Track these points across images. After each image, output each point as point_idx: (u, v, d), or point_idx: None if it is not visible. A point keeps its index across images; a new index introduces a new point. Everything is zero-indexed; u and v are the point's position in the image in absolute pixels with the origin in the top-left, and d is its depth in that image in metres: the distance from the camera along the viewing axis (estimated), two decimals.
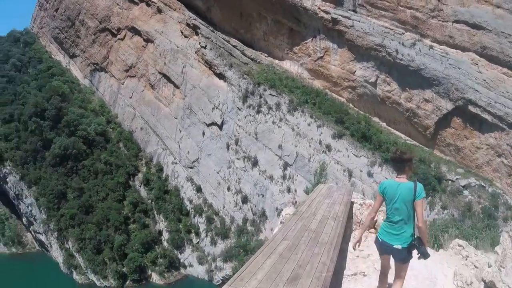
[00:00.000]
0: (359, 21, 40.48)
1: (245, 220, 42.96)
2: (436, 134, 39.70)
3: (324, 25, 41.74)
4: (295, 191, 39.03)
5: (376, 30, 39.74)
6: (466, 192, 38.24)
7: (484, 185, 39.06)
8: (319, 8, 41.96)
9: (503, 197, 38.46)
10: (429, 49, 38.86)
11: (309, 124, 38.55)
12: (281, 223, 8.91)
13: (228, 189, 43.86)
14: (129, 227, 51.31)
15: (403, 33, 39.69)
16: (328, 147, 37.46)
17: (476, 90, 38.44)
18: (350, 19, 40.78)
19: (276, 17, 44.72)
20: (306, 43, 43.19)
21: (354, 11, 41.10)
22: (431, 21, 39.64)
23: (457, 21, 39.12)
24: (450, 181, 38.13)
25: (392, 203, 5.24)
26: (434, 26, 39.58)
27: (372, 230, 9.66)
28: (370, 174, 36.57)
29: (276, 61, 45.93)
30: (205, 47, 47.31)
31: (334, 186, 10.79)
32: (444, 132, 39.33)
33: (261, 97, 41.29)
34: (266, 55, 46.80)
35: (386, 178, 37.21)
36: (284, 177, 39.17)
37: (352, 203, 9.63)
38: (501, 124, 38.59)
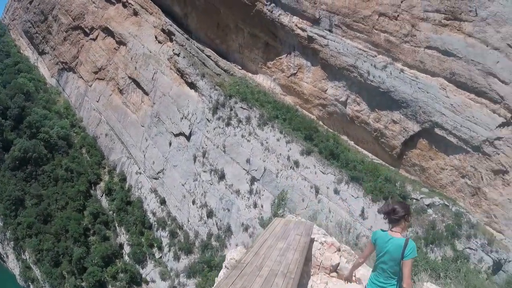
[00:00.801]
0: (334, 41, 40.83)
1: (209, 235, 41.66)
2: (402, 154, 40.33)
3: (300, 42, 41.81)
4: (262, 206, 38.17)
5: (350, 51, 40.18)
6: (430, 211, 38.88)
7: (448, 204, 39.91)
8: (296, 25, 42.07)
9: (466, 216, 39.40)
10: (399, 73, 39.61)
11: (278, 140, 37.96)
12: (225, 267, 7.63)
13: (193, 202, 42.37)
14: (89, 239, 49.25)
15: (375, 56, 40.32)
16: (296, 163, 37.01)
17: (443, 114, 39.43)
18: (326, 38, 41.07)
19: (253, 30, 44.43)
20: (280, 58, 43.04)
21: (330, 30, 41.47)
22: (403, 45, 40.54)
23: (429, 47, 40.23)
24: (414, 200, 38.66)
25: (381, 256, 5.05)
26: (406, 51, 40.49)
27: (334, 274, 8.65)
28: (336, 191, 36.46)
29: (250, 74, 45.40)
30: (178, 55, 46.13)
31: (292, 221, 9.57)
32: (410, 153, 39.99)
33: (231, 109, 40.40)
34: (240, 67, 46.20)
35: (353, 196, 37.31)
36: (251, 192, 38.23)
37: (312, 240, 8.38)
38: (465, 147, 39.75)
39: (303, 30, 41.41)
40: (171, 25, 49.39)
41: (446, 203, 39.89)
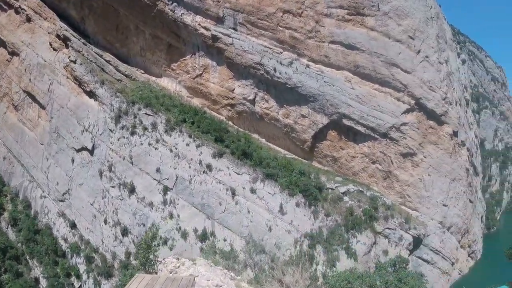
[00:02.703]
0: (239, 39, 40.27)
1: (128, 254, 38.59)
2: (314, 147, 41.16)
3: (204, 41, 40.63)
4: (178, 216, 36.08)
5: (255, 49, 39.94)
6: (346, 198, 39.97)
7: (362, 190, 41.49)
8: (199, 24, 40.77)
9: (381, 199, 41.31)
10: (305, 68, 40.24)
11: (188, 144, 36.20)
12: None
13: (105, 221, 38.77)
14: (1, 278, 43.17)
15: (281, 52, 40.51)
16: (209, 167, 35.60)
17: (350, 105, 40.89)
18: (230, 37, 40.35)
19: (155, 32, 42.22)
20: (185, 59, 41.44)
21: (235, 29, 40.86)
22: (308, 41, 41.31)
23: (333, 42, 41.47)
24: (330, 189, 39.51)
25: None
26: (311, 46, 41.32)
27: None
28: (253, 191, 35.72)
29: (153, 78, 43.09)
30: (75, 62, 42.00)
31: (160, 279, 6.72)
32: (321, 145, 40.91)
33: (135, 117, 37.67)
34: (143, 71, 43.63)
35: (269, 193, 36.68)
36: (165, 202, 35.91)
37: None
38: (373, 134, 41.67)
39: (207, 29, 40.25)
40: (66, 30, 44.92)
41: (360, 189, 41.32)
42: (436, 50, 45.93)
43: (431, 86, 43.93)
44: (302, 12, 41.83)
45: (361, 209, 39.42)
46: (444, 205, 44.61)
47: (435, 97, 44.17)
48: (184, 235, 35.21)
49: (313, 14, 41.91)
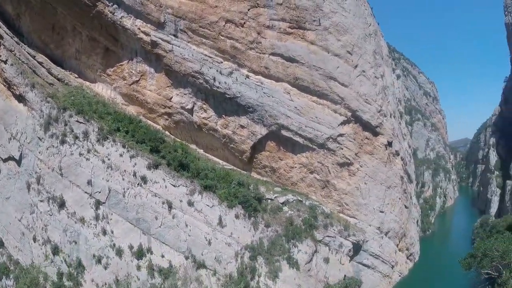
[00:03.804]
0: (179, 46, 39.65)
1: (60, 275, 35.75)
2: (252, 157, 41.61)
3: (143, 47, 39.44)
4: (112, 232, 34.30)
5: (195, 57, 39.60)
6: (285, 208, 40.77)
7: (301, 199, 42.61)
8: (139, 28, 39.51)
9: (320, 208, 42.61)
10: (245, 78, 40.59)
11: (121, 155, 34.79)
12: None
13: (34, 239, 35.82)
14: None
15: (221, 62, 40.54)
16: (144, 179, 34.41)
17: (288, 116, 41.94)
18: (170, 44, 39.62)
19: (92, 34, 40.20)
20: (121, 65, 39.96)
21: (175, 35, 40.16)
22: (249, 52, 41.76)
23: (273, 54, 42.24)
24: (269, 200, 40.04)
25: None
26: (252, 57, 41.80)
27: None
28: (190, 203, 35.09)
29: (87, 83, 41.09)
30: (5, 62, 38.51)
31: None
32: (259, 156, 41.40)
33: (66, 124, 35.45)
34: (77, 75, 41.39)
35: (208, 206, 36.47)
36: (97, 217, 33.98)
37: None
38: (311, 145, 43.02)
39: (147, 34, 39.17)
40: (0, 27, 41.56)
41: (299, 198, 42.46)
42: (372, 65, 48.47)
43: (367, 99, 46.27)
44: (244, 23, 42.15)
45: (300, 218, 40.33)
46: (381, 212, 46.73)
47: (370, 110, 46.55)
48: (119, 253, 33.45)
49: (255, 26, 42.43)
